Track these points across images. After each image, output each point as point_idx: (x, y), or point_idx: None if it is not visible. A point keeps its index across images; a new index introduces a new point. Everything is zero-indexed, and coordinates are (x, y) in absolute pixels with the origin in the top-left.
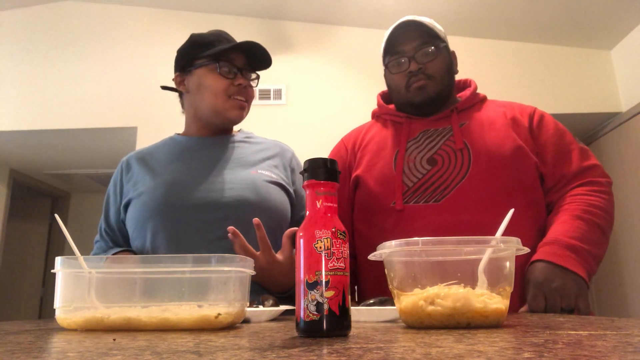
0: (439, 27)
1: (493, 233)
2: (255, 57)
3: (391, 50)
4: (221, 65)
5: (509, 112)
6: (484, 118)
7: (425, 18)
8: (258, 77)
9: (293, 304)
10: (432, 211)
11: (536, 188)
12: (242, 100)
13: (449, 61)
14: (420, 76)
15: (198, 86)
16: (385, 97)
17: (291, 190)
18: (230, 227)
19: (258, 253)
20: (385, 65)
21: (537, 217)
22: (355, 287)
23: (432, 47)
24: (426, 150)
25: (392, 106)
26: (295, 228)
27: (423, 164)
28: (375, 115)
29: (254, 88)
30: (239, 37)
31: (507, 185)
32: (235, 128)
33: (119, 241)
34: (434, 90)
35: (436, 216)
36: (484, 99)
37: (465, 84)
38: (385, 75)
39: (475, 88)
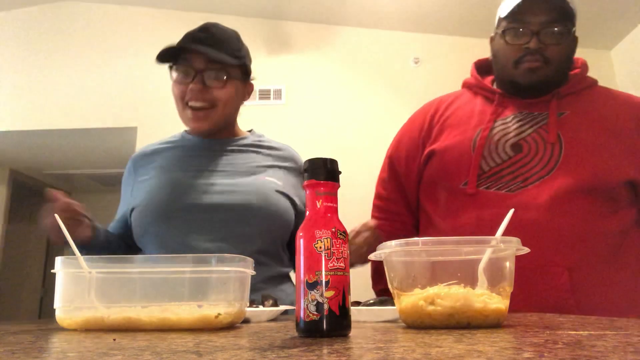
0: (572, 5)
1: (560, 241)
2: (212, 49)
3: (514, 16)
4: (173, 71)
5: (629, 115)
6: (589, 112)
7: None
8: (228, 76)
9: None
10: (502, 202)
11: (627, 208)
12: (195, 108)
13: (572, 48)
14: (537, 57)
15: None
16: (480, 68)
17: (295, 199)
18: (50, 190)
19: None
20: (502, 31)
21: (620, 238)
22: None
23: (562, 28)
24: (514, 134)
25: (487, 79)
26: None
27: (506, 148)
28: (466, 86)
29: (224, 88)
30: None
31: (592, 198)
32: (245, 129)
33: (116, 228)
34: (545, 75)
35: (505, 209)
36: (593, 84)
37: (573, 63)
38: (493, 41)
39: (586, 70)
